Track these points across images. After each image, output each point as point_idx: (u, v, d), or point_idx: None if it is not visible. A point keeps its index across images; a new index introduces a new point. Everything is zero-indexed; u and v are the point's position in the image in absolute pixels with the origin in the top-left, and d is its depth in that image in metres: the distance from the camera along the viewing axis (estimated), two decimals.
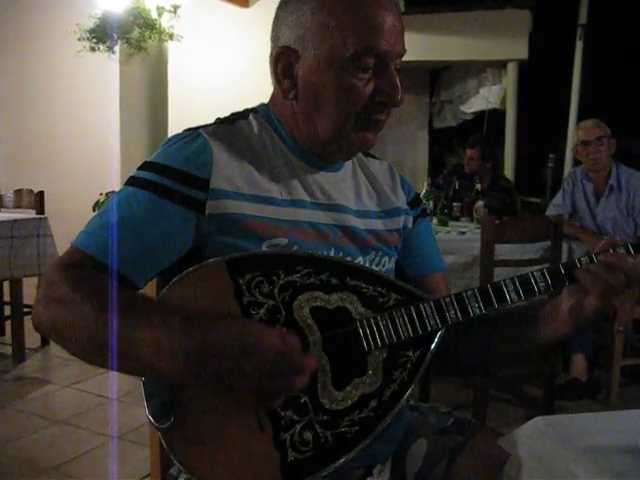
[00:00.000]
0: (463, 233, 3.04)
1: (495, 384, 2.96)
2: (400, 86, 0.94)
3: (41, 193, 3.84)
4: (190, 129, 0.98)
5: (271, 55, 0.98)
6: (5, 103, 5.93)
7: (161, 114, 4.54)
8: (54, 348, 3.64)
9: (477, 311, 0.90)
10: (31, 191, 3.90)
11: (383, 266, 1.05)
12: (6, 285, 3.73)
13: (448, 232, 3.11)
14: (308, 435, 0.84)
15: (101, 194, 4.26)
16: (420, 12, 5.34)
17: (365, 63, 0.91)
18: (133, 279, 0.87)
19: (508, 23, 5.47)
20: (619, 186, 3.25)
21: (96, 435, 2.59)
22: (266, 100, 1.06)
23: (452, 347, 1.02)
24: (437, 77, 6.83)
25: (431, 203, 3.54)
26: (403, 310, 0.89)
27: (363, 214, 1.05)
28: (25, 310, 3.50)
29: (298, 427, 0.84)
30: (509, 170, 5.77)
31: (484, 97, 6.21)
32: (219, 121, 1.01)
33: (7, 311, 3.75)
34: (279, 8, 0.98)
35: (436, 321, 0.90)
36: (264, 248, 0.92)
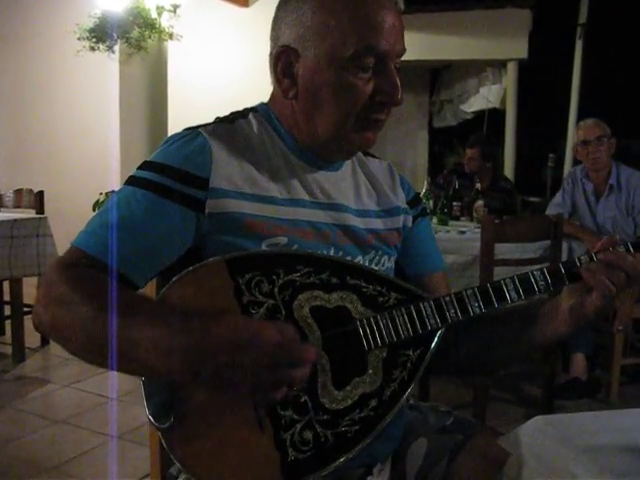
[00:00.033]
0: (463, 232, 3.04)
1: (495, 383, 2.96)
2: (400, 85, 0.94)
3: (41, 193, 3.84)
4: (190, 128, 0.98)
5: (271, 54, 0.98)
6: (5, 103, 5.93)
7: (161, 113, 4.54)
8: (54, 348, 3.64)
9: (477, 310, 0.90)
10: (31, 191, 3.90)
11: (383, 265, 1.05)
12: (6, 285, 3.73)
13: (448, 231, 3.11)
14: (308, 434, 0.84)
15: (101, 194, 4.26)
16: (420, 11, 5.34)
17: (365, 62, 0.91)
18: (133, 278, 0.87)
19: (508, 22, 5.47)
20: (619, 186, 3.25)
21: (96, 435, 2.59)
22: (266, 99, 1.06)
23: (452, 346, 1.02)
24: (437, 76, 6.83)
25: (431, 202, 3.54)
26: (403, 309, 0.89)
27: (363, 213, 1.05)
28: (25, 310, 3.50)
29: (298, 426, 0.84)
30: (509, 169, 5.77)
31: (484, 96, 6.20)
32: (219, 120, 1.01)
33: (7, 311, 3.75)
34: (279, 7, 0.98)
35: (436, 320, 0.90)
36: (264, 247, 0.92)
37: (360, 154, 1.11)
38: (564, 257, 2.84)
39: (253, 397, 0.81)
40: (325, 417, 0.85)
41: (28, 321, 3.41)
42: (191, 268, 0.85)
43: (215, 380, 0.73)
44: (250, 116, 1.02)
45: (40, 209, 3.80)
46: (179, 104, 4.74)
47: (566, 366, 3.14)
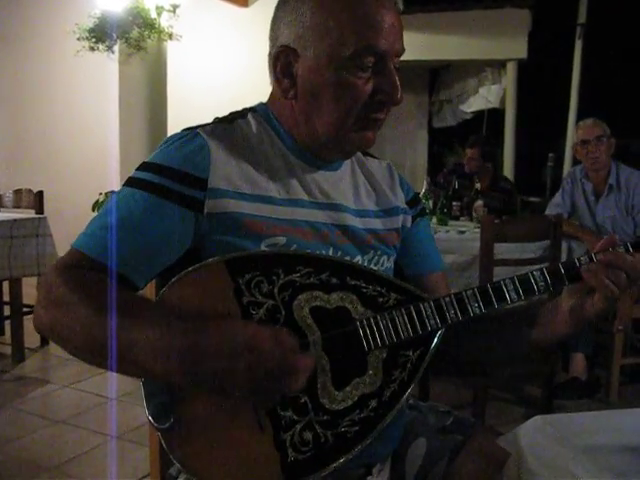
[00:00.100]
0: (462, 232, 3.04)
1: (495, 383, 2.96)
2: (399, 85, 0.94)
3: (40, 193, 3.83)
4: (188, 129, 0.98)
5: (270, 54, 0.98)
6: (4, 103, 5.93)
7: (160, 114, 4.54)
8: (54, 348, 3.64)
9: (477, 311, 0.90)
10: (30, 191, 3.90)
11: (382, 265, 1.05)
12: (5, 285, 3.73)
13: (447, 231, 3.12)
14: (308, 435, 0.84)
15: (100, 194, 4.26)
16: (419, 11, 5.34)
17: (364, 62, 0.91)
18: (133, 279, 0.87)
19: (507, 22, 5.47)
20: (618, 185, 3.25)
21: (96, 435, 2.58)
22: (265, 99, 1.06)
23: (452, 347, 1.02)
24: (436, 76, 6.83)
25: (430, 202, 3.54)
26: (403, 310, 0.89)
27: (362, 213, 1.05)
28: (24, 310, 3.50)
29: (298, 427, 0.84)
30: (508, 169, 5.77)
31: (483, 96, 6.21)
32: (217, 120, 1.01)
33: (7, 311, 3.75)
34: (278, 7, 0.98)
35: (436, 321, 0.90)
36: (263, 247, 0.92)
37: (359, 154, 1.11)
38: (564, 257, 2.84)
39: (250, 401, 0.81)
40: (325, 418, 0.85)
41: (28, 321, 3.41)
42: (190, 269, 0.85)
43: (212, 384, 0.73)
44: (249, 116, 1.02)
45: (39, 209, 3.80)
46: (178, 104, 4.74)
47: (566, 366, 3.14)
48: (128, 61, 4.37)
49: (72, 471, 2.30)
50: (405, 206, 1.12)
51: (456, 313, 0.90)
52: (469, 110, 6.41)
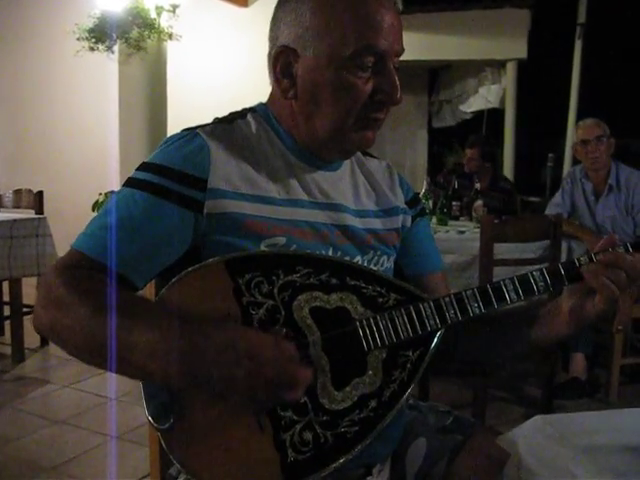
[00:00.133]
0: (462, 232, 3.04)
1: (494, 383, 2.96)
2: (399, 85, 0.94)
3: (40, 193, 3.83)
4: (188, 129, 0.98)
5: (269, 54, 0.98)
6: (4, 103, 5.93)
7: (160, 114, 4.54)
8: (53, 348, 3.63)
9: (476, 311, 0.90)
10: (30, 191, 3.90)
11: (382, 265, 1.05)
12: (5, 285, 3.73)
13: (447, 231, 3.12)
14: (308, 435, 0.84)
15: (100, 194, 4.26)
16: (419, 11, 5.35)
17: (364, 62, 0.91)
18: (132, 280, 0.87)
19: (507, 22, 5.47)
20: (618, 185, 3.25)
21: (95, 435, 2.58)
22: (265, 100, 1.06)
23: (452, 347, 1.02)
24: (436, 76, 6.83)
25: (430, 202, 3.54)
26: (403, 310, 0.89)
27: (361, 213, 1.05)
28: (24, 310, 3.50)
29: (298, 427, 0.84)
30: (508, 169, 5.77)
31: (483, 96, 6.21)
32: (217, 121, 1.01)
33: (6, 311, 3.75)
34: (277, 7, 0.98)
35: (436, 321, 0.89)
36: (262, 247, 0.92)
37: (359, 154, 1.11)
38: (563, 257, 2.84)
39: (246, 406, 0.81)
40: (325, 418, 0.85)
41: (27, 321, 3.41)
42: (190, 269, 0.85)
43: (211, 387, 0.74)
44: (249, 116, 1.02)
45: (39, 209, 3.80)
46: (178, 104, 4.74)
47: (566, 366, 3.14)
48: (128, 61, 4.37)
49: (72, 471, 2.30)
50: (405, 206, 1.12)
51: (456, 313, 0.90)
52: (469, 110, 6.41)
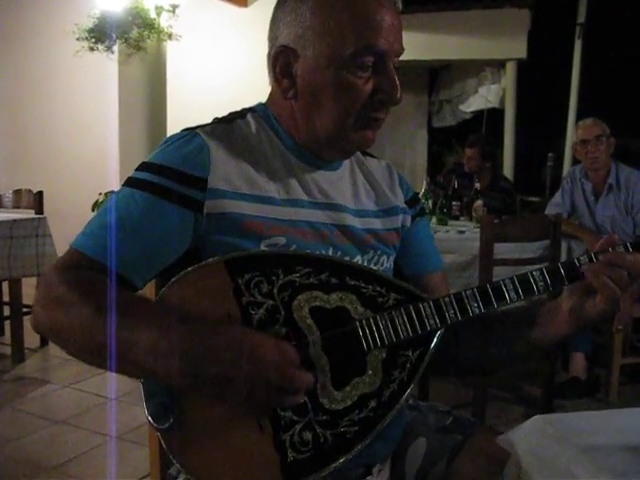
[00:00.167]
0: (462, 232, 3.04)
1: (494, 383, 2.96)
2: (399, 84, 0.94)
3: (40, 193, 3.83)
4: (188, 129, 0.98)
5: (269, 54, 0.98)
6: (4, 103, 5.93)
7: (160, 114, 4.54)
8: (53, 348, 3.63)
9: (476, 311, 0.90)
10: (30, 191, 3.90)
11: (382, 265, 1.05)
12: (5, 285, 3.73)
13: (447, 231, 3.12)
14: (308, 435, 0.84)
15: (100, 194, 4.26)
16: (419, 11, 5.34)
17: (364, 62, 0.91)
18: (132, 280, 0.87)
19: (507, 22, 5.47)
20: (618, 185, 3.25)
21: (95, 435, 2.58)
22: (265, 100, 1.05)
23: (451, 347, 1.02)
24: (436, 76, 6.83)
25: (430, 202, 3.54)
26: (402, 310, 0.89)
27: (361, 213, 1.05)
28: (24, 310, 3.50)
29: (298, 427, 0.84)
30: (508, 169, 5.77)
31: (483, 96, 6.21)
32: (217, 121, 1.01)
33: (6, 311, 3.74)
34: (277, 7, 0.98)
35: (435, 321, 0.89)
36: (262, 247, 0.92)
37: (359, 154, 1.11)
38: (563, 257, 2.84)
39: (245, 408, 0.81)
40: (324, 418, 0.85)
41: (27, 322, 3.39)
42: (190, 269, 0.85)
43: (211, 388, 0.74)
44: (248, 116, 1.02)
45: (39, 209, 3.80)
46: (178, 104, 4.74)
47: (565, 365, 3.14)
48: (128, 61, 4.37)
49: (72, 471, 2.29)
50: (404, 206, 1.12)
51: (455, 313, 0.90)
52: (469, 110, 6.41)
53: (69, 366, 3.34)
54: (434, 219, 3.39)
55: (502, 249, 2.58)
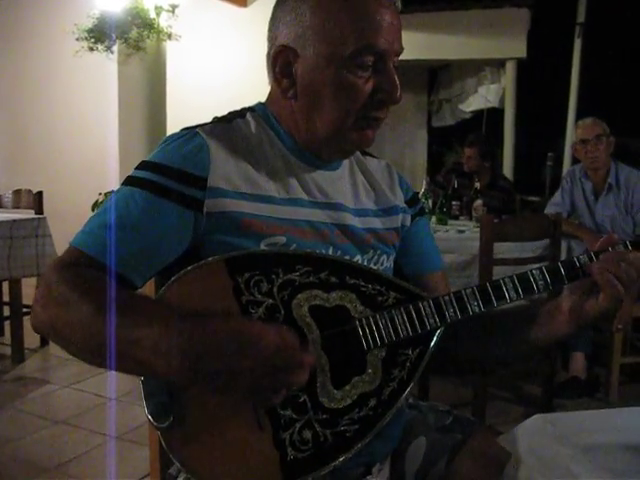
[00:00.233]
0: (462, 232, 3.04)
1: (494, 382, 2.96)
2: (399, 84, 0.94)
3: (40, 193, 3.83)
4: (187, 128, 0.97)
5: (268, 54, 0.98)
6: (3, 103, 5.93)
7: (159, 114, 4.54)
8: (53, 348, 3.64)
9: (476, 309, 0.90)
10: (30, 191, 3.90)
11: (382, 265, 1.05)
12: (5, 285, 3.73)
13: (447, 231, 3.12)
14: (307, 434, 0.84)
15: (100, 194, 4.26)
16: (418, 10, 5.34)
17: (364, 61, 0.91)
18: (131, 278, 0.87)
19: (506, 21, 5.47)
20: (618, 184, 3.25)
21: (96, 435, 2.59)
22: (264, 99, 1.05)
23: (452, 346, 1.02)
24: (435, 76, 6.83)
25: (430, 202, 3.54)
26: (402, 309, 0.89)
27: (361, 213, 1.05)
28: (24, 310, 3.50)
29: (297, 426, 0.84)
30: (508, 169, 5.77)
31: (483, 96, 6.20)
32: (217, 120, 1.01)
33: (6, 311, 3.74)
34: (276, 7, 0.98)
35: (435, 320, 0.90)
36: (262, 246, 0.92)
37: (358, 153, 1.11)
38: (563, 256, 2.85)
39: (252, 399, 0.81)
40: (324, 416, 0.85)
41: (27, 322, 3.38)
42: (190, 268, 0.85)
43: (213, 382, 0.73)
44: (248, 116, 1.02)
45: (39, 209, 3.80)
46: (178, 104, 4.74)
47: (565, 365, 3.14)
48: (127, 61, 4.37)
49: (72, 471, 2.30)
50: (404, 205, 1.12)
51: (455, 312, 0.90)
52: (468, 109, 6.40)
53: (69, 366, 3.34)
54: (434, 219, 3.39)
55: (502, 248, 2.58)
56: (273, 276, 0.86)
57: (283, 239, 0.94)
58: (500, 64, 5.98)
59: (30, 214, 3.73)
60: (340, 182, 1.05)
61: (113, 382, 3.05)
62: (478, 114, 6.35)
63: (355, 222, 1.03)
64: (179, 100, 4.82)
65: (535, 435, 0.87)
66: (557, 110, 5.55)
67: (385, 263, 1.06)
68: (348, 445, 0.85)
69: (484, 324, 1.01)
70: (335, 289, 0.88)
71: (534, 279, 0.90)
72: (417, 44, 5.13)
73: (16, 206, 3.94)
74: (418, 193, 1.34)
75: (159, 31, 4.33)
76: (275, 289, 0.85)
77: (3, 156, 5.92)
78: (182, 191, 0.90)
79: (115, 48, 4.37)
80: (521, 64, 5.75)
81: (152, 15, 4.31)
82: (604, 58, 6.27)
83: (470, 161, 4.05)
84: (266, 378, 0.71)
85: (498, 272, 2.39)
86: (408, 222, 1.12)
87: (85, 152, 5.49)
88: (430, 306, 0.90)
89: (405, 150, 6.96)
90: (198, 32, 5.06)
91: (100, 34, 4.32)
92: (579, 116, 4.62)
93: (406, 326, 0.89)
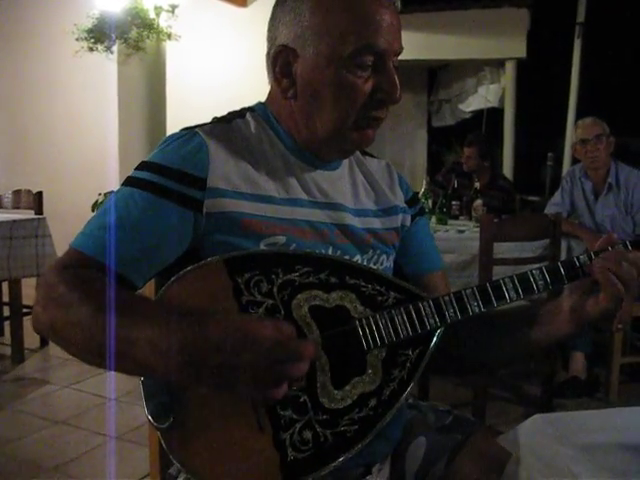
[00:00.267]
0: (462, 232, 3.04)
1: (494, 382, 2.96)
2: (398, 83, 0.94)
3: (40, 193, 3.83)
4: (187, 128, 0.98)
5: (268, 54, 0.98)
6: (3, 103, 5.93)
7: (159, 114, 4.54)
8: (53, 348, 3.64)
9: (476, 310, 0.90)
10: (30, 191, 3.90)
11: (381, 265, 1.05)
12: (5, 286, 3.73)
13: (447, 231, 3.12)
14: (308, 434, 0.84)
15: (100, 194, 4.26)
16: (418, 10, 5.34)
17: (364, 61, 0.92)
18: (132, 279, 0.87)
19: (506, 21, 5.47)
20: (618, 184, 3.25)
21: (95, 435, 2.59)
22: (264, 99, 1.05)
23: (452, 346, 1.02)
24: (435, 76, 6.83)
25: (430, 202, 3.54)
26: (402, 309, 0.89)
27: (361, 213, 1.05)
28: (24, 311, 3.50)
29: (298, 426, 0.84)
30: (508, 169, 5.77)
31: (482, 96, 6.20)
32: (216, 120, 1.01)
33: (6, 312, 3.75)
34: (276, 7, 0.98)
35: (435, 320, 0.90)
36: (262, 246, 0.92)
37: (358, 153, 1.11)
38: (563, 256, 2.84)
39: (252, 396, 0.81)
40: (324, 417, 0.85)
41: (27, 322, 3.41)
42: (190, 268, 0.85)
43: (213, 380, 0.73)
44: (248, 116, 1.02)
45: (39, 210, 3.80)
46: (177, 104, 4.74)
47: (565, 365, 3.14)
48: (127, 61, 4.37)
49: (72, 471, 2.30)
50: (404, 205, 1.12)
51: (455, 312, 0.90)
52: (468, 109, 6.40)
53: (69, 366, 3.34)
54: (434, 219, 3.39)
55: (502, 248, 2.58)
56: (273, 276, 0.86)
57: (283, 239, 0.94)
58: (500, 64, 5.98)
59: (30, 214, 3.73)
60: (340, 182, 1.05)
61: (113, 382, 3.05)
62: (478, 114, 6.35)
63: (355, 222, 1.03)
64: (179, 100, 4.82)
65: (535, 435, 0.87)
66: (557, 110, 5.55)
67: (385, 263, 1.06)
68: (348, 445, 0.85)
69: (484, 324, 1.01)
70: (335, 289, 0.88)
71: (534, 279, 0.90)
72: (417, 44, 5.13)
73: (16, 206, 3.94)
74: (418, 193, 1.34)
75: (159, 31, 4.33)
76: (275, 289, 0.85)
77: (3, 156, 5.92)
78: (182, 191, 0.90)
79: (115, 48, 4.36)
80: (521, 64, 5.75)
81: (152, 15, 4.31)
82: (604, 58, 6.26)
83: (469, 161, 4.05)
84: (266, 372, 0.71)
85: (498, 272, 2.39)
86: (408, 222, 1.12)
87: (85, 152, 5.49)
88: (430, 306, 0.90)
89: (405, 150, 6.96)
90: (198, 32, 5.06)
91: (100, 34, 4.32)
92: (579, 116, 4.62)
93: (406, 326, 0.89)
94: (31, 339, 3.60)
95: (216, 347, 0.71)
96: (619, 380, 2.96)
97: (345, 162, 1.07)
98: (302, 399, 0.84)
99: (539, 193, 4.98)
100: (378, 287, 0.90)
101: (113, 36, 4.28)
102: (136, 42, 4.25)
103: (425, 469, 1.04)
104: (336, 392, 0.86)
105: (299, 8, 0.93)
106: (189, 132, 0.95)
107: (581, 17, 5.32)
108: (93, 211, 4.19)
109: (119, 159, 4.54)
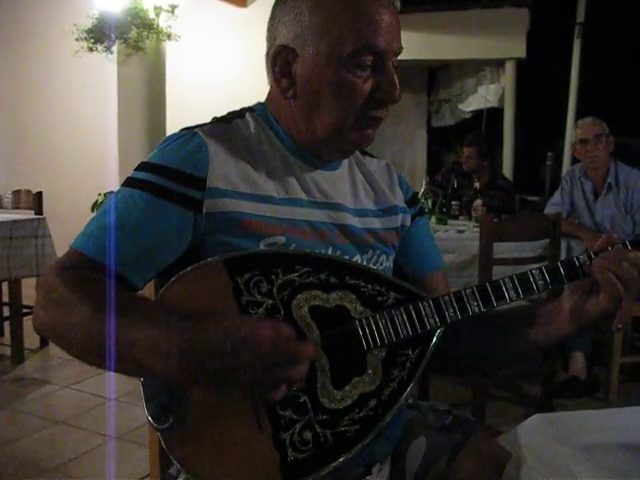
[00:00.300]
0: (462, 232, 3.04)
1: (494, 382, 2.96)
2: (398, 83, 0.94)
3: (39, 194, 3.83)
4: (186, 128, 0.98)
5: (267, 54, 0.98)
6: (3, 103, 5.93)
7: (159, 114, 4.54)
8: (53, 349, 3.64)
9: (476, 309, 0.90)
10: (29, 191, 3.90)
11: (381, 265, 1.05)
12: (5, 286, 3.73)
13: (447, 231, 3.12)
14: (308, 435, 0.84)
15: (99, 194, 4.26)
16: (417, 10, 5.34)
17: (363, 61, 0.92)
18: (132, 279, 0.87)
19: (506, 22, 5.47)
20: (617, 184, 3.26)
21: (95, 435, 2.58)
22: (263, 99, 1.05)
23: (452, 346, 1.02)
24: (435, 76, 6.83)
25: (430, 202, 3.54)
26: (402, 309, 0.89)
27: (361, 213, 1.05)
28: (24, 311, 3.50)
29: (298, 427, 0.84)
30: (508, 169, 5.77)
31: (482, 96, 6.21)
32: (216, 120, 1.01)
33: (6, 312, 3.74)
34: (276, 7, 0.98)
35: (435, 320, 0.90)
36: (262, 246, 0.92)
37: (358, 153, 1.11)
38: (563, 256, 2.84)
39: (252, 397, 0.81)
40: (324, 417, 0.85)
41: (27, 322, 3.41)
42: (189, 268, 0.84)
43: (213, 380, 0.73)
44: (247, 116, 1.02)
45: (39, 210, 3.80)
46: (177, 104, 4.74)
47: (565, 365, 3.14)
48: (127, 61, 4.37)
49: (72, 472, 2.30)
50: (404, 205, 1.12)
51: (455, 312, 0.90)
52: (468, 109, 6.41)
53: (69, 367, 3.34)
54: (433, 219, 3.39)
55: (501, 248, 2.58)
56: (273, 276, 0.86)
57: (282, 239, 0.94)
58: (500, 64, 5.99)
59: (30, 214, 3.73)
60: (339, 182, 1.05)
61: (113, 382, 3.05)
62: (478, 114, 6.35)
63: (354, 222, 1.03)
64: (178, 100, 4.82)
65: (535, 435, 0.87)
66: (557, 110, 5.55)
67: (385, 263, 1.06)
68: (348, 445, 0.85)
69: (484, 324, 1.01)
70: (335, 289, 0.88)
71: (534, 279, 0.90)
72: (416, 44, 5.14)
73: (16, 206, 3.94)
74: (418, 193, 1.34)
75: (158, 31, 4.33)
76: (275, 289, 0.85)
77: (3, 156, 5.92)
78: (181, 192, 0.90)
79: (114, 48, 4.37)
80: (520, 64, 5.75)
81: (151, 15, 4.31)
82: (604, 58, 6.26)
83: (469, 161, 4.05)
84: (265, 374, 0.71)
85: (498, 272, 2.39)
86: (408, 222, 1.12)
87: (85, 152, 5.49)
88: (430, 306, 0.90)
89: (405, 150, 6.96)
90: (197, 32, 5.06)
91: (99, 34, 4.33)
92: (579, 116, 4.62)
93: (406, 326, 0.89)
94: (31, 339, 3.60)
95: (216, 348, 0.71)
96: (619, 380, 2.96)
97: (345, 162, 1.07)
98: (302, 399, 0.84)
99: (539, 193, 4.98)
100: (378, 287, 0.90)
101: (113, 36, 4.28)
102: (136, 42, 4.26)
103: (425, 469, 1.04)
104: (336, 392, 0.86)
105: (299, 8, 0.93)
106: (189, 132, 0.95)
107: (581, 17, 5.33)
108: (93, 211, 4.20)
109: (119, 159, 4.54)
